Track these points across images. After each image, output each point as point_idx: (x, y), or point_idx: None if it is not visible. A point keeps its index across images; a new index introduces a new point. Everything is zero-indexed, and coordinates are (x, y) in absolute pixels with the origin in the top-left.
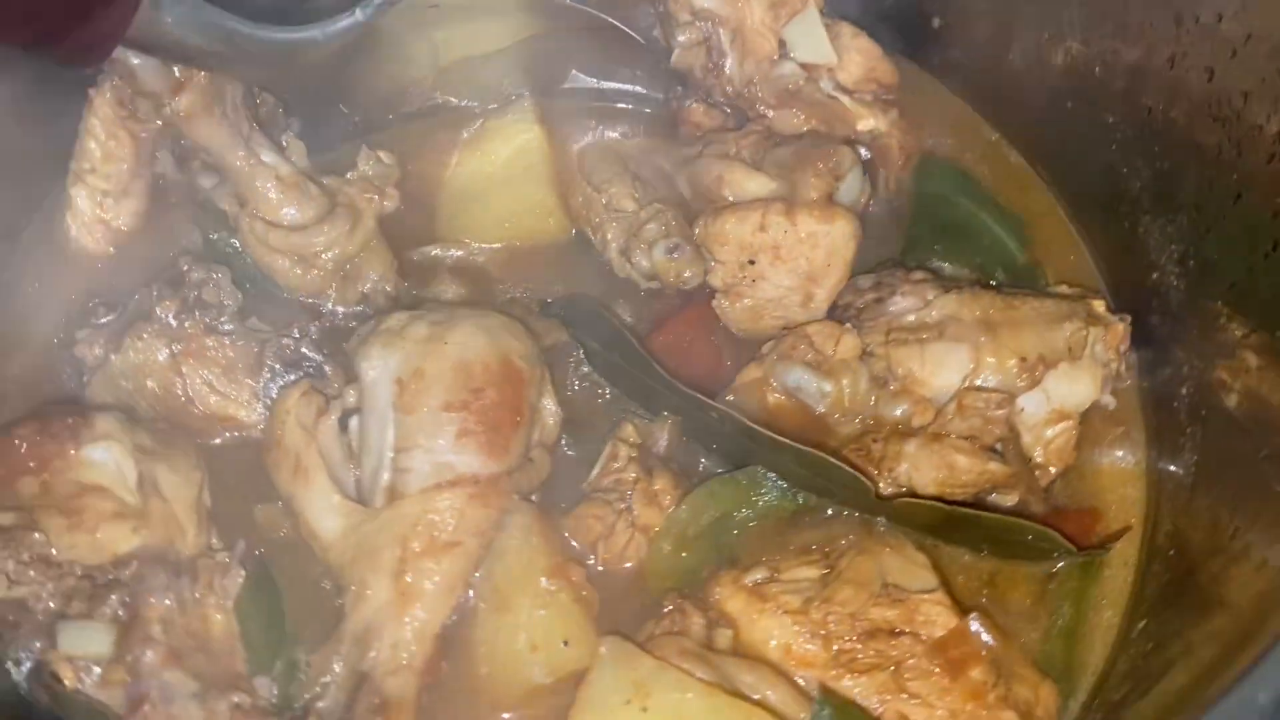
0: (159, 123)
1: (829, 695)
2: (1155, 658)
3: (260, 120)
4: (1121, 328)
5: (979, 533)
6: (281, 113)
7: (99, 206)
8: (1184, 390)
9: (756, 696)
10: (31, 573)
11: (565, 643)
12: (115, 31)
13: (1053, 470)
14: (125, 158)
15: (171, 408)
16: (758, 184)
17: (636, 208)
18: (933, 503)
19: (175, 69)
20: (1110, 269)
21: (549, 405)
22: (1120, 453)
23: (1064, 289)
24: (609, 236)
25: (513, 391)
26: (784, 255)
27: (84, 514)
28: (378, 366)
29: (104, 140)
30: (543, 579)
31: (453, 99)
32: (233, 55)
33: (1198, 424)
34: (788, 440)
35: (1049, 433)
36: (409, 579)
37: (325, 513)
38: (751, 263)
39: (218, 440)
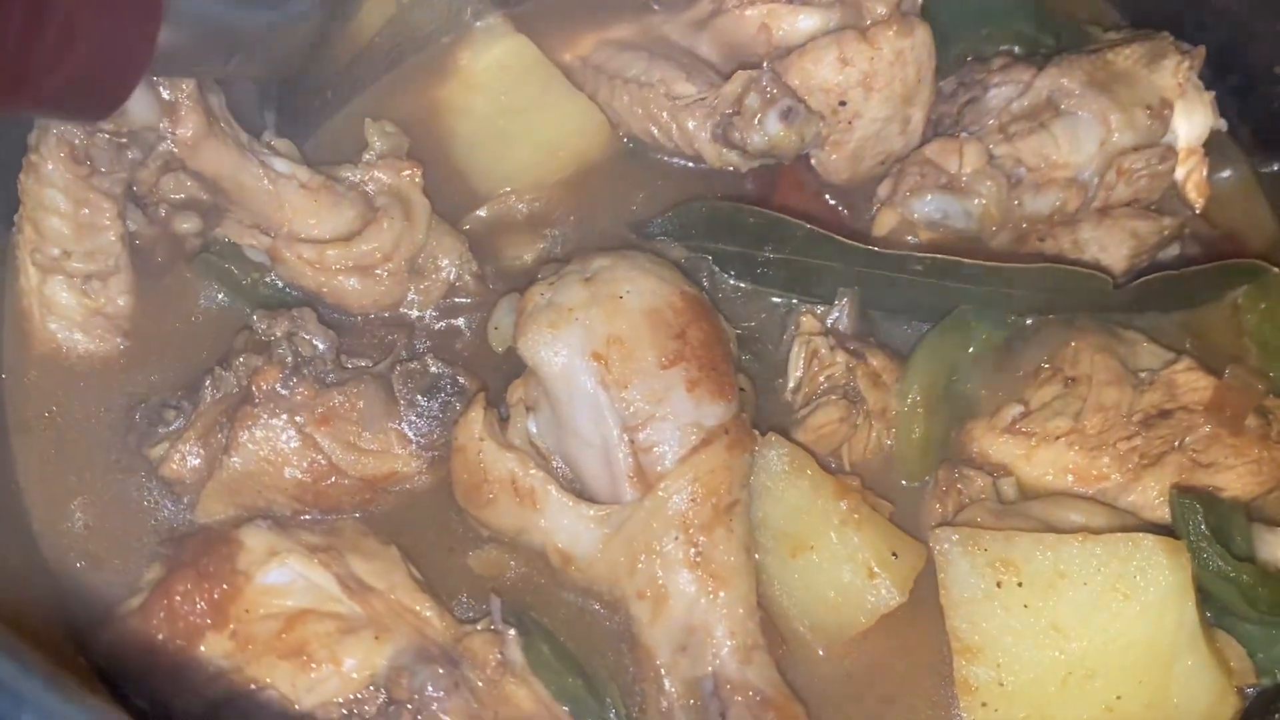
0: (123, 172)
1: (1184, 496)
2: None
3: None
4: (1202, 50)
5: (1187, 288)
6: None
7: (86, 295)
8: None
9: (1088, 522)
10: None
11: (894, 554)
12: (139, 63)
13: (1198, 205)
14: (108, 224)
15: (320, 490)
16: (813, 20)
17: (701, 88)
18: (1166, 273)
19: (163, 91)
20: (1128, 7)
21: (723, 325)
22: (1225, 173)
23: (1117, 35)
24: (691, 127)
25: (709, 323)
26: (875, 85)
27: (308, 647)
28: (561, 349)
29: (72, 212)
30: (840, 503)
31: (419, 33)
32: (227, 50)
33: None
34: (1012, 263)
35: (1181, 172)
36: (709, 558)
37: (577, 527)
38: (843, 104)
39: (380, 507)
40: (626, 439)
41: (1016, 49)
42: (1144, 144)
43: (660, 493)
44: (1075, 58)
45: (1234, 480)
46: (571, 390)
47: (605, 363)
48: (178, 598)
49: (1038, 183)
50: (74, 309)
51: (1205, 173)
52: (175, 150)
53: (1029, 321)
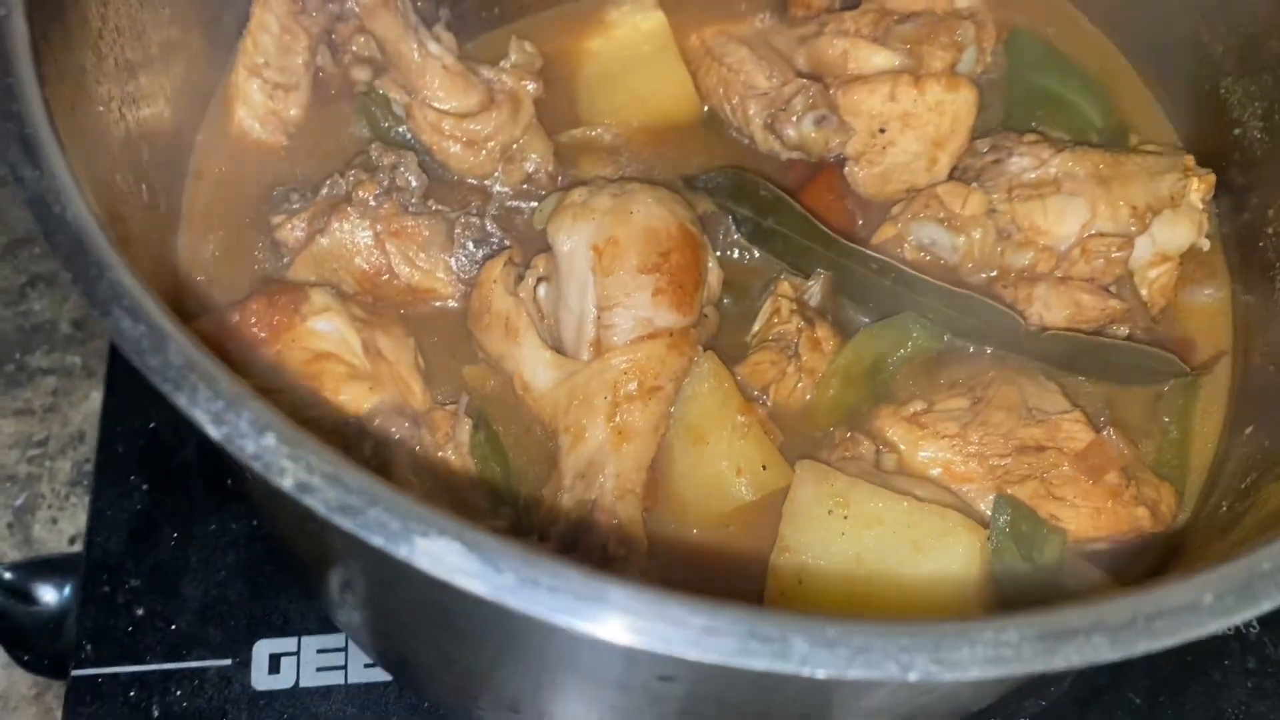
0: (323, 18)
1: (1004, 497)
2: (1265, 456)
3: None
4: (1212, 178)
5: (1105, 360)
6: (426, 3)
7: (270, 99)
8: (1270, 230)
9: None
10: None
11: (764, 467)
12: None
13: (1156, 305)
14: (300, 51)
15: (377, 283)
16: (883, 57)
17: (771, 85)
18: (1074, 334)
19: None
20: (1188, 128)
21: (712, 266)
22: (1208, 290)
23: (1151, 146)
24: (751, 113)
25: (692, 254)
26: (913, 123)
27: (323, 377)
28: (574, 236)
29: (278, 35)
30: (738, 416)
31: None
32: None
33: None
34: (946, 284)
35: (1153, 273)
36: (622, 419)
37: (539, 367)
38: (882, 130)
39: (418, 311)
40: (596, 315)
41: (1065, 135)
42: (1120, 234)
43: (606, 361)
44: (1090, 150)
45: (1073, 517)
46: (571, 268)
47: (600, 255)
48: (252, 312)
49: (1021, 242)
50: (259, 106)
51: (1173, 279)
52: (357, 10)
53: (970, 349)
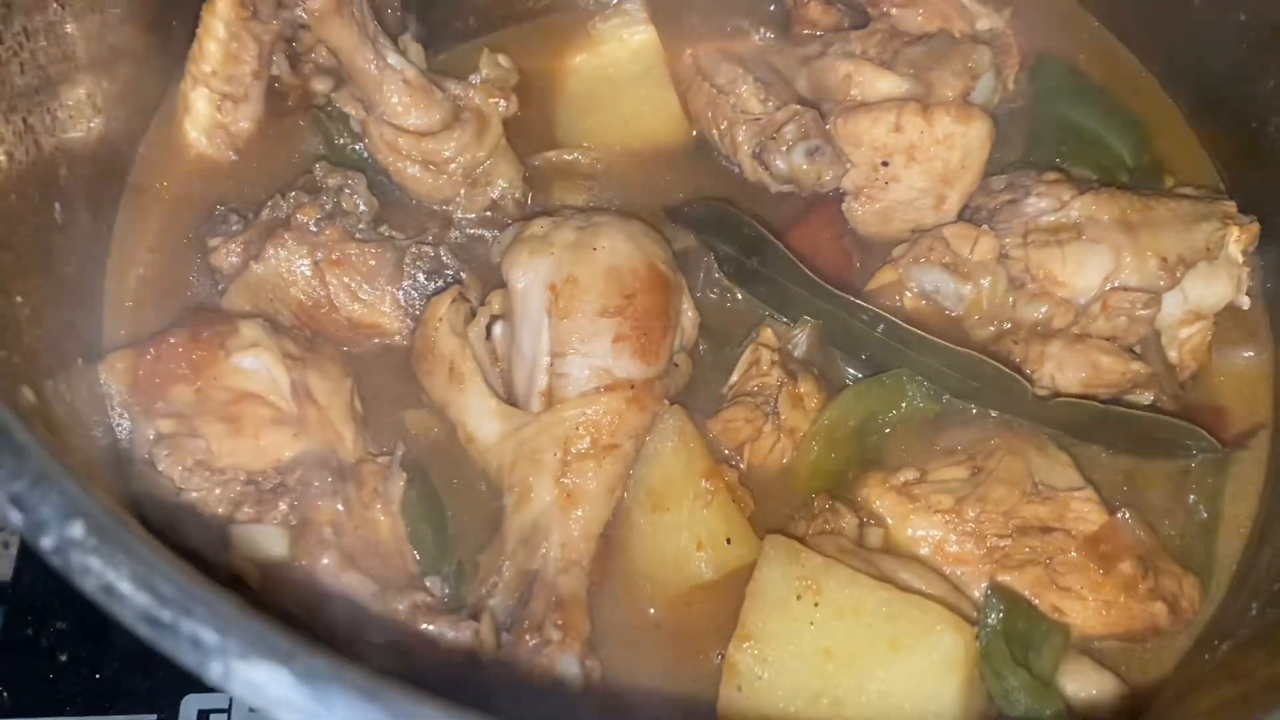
0: (276, 24)
1: (998, 589)
2: None
3: (381, 21)
4: (1256, 228)
5: (1125, 430)
6: (396, 13)
7: (218, 110)
8: None
9: (922, 588)
10: (197, 478)
11: (728, 541)
12: None
13: (1187, 370)
14: (248, 60)
15: (315, 316)
16: (889, 83)
17: (764, 110)
18: (1089, 402)
19: None
20: (1232, 170)
21: (687, 310)
22: (1248, 353)
23: (1189, 190)
24: (739, 139)
25: (661, 297)
26: (919, 156)
27: (243, 420)
28: (529, 273)
29: (225, 42)
30: (702, 481)
31: None
32: None
33: None
34: (945, 341)
35: (1184, 333)
36: (572, 480)
37: (483, 418)
38: (885, 164)
39: (360, 348)
40: (548, 362)
41: (1091, 174)
42: (1146, 289)
43: (557, 413)
44: (1117, 193)
45: (1079, 611)
46: (525, 308)
47: (556, 295)
48: (171, 347)
49: (1035, 293)
50: (204, 117)
51: (1206, 340)
52: (304, 17)
53: (974, 410)
